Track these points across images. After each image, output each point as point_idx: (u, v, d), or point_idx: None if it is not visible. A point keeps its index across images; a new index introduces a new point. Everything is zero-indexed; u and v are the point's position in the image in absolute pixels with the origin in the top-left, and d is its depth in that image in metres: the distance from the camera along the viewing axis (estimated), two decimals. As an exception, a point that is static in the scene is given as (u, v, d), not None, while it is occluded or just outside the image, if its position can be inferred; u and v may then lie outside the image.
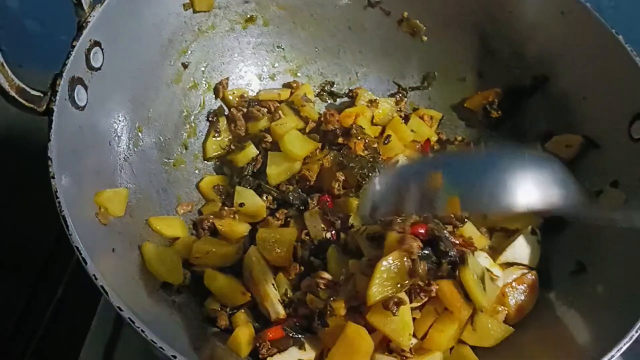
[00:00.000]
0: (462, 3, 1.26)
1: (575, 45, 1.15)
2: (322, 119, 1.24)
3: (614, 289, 0.96)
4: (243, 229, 1.14)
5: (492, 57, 1.28)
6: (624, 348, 0.83)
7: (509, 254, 1.11)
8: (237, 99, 1.28)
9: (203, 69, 1.25)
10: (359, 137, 1.19)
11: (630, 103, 1.05)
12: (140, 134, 1.11)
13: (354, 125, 1.21)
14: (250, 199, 1.15)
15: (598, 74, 1.12)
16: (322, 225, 1.11)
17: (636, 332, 0.83)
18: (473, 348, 1.00)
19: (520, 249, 1.11)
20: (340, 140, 1.20)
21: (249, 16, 1.28)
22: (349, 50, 1.36)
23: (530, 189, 0.71)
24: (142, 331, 0.75)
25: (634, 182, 1.03)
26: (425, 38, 1.32)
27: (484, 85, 1.30)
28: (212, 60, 1.27)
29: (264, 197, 1.18)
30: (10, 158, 1.45)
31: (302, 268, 1.09)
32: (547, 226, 1.14)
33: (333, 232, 1.11)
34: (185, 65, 1.21)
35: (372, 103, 1.31)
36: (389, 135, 1.23)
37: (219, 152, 1.26)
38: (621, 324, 0.85)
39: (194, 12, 1.19)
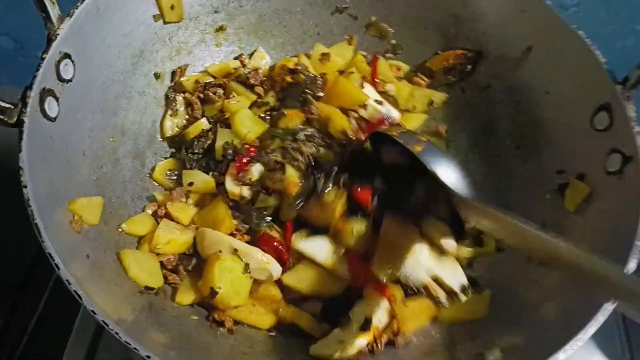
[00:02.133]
0: (425, 5, 1.29)
1: (537, 41, 1.18)
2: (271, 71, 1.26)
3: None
4: (193, 212, 1.14)
5: (459, 57, 1.30)
6: (591, 331, 0.85)
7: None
8: (192, 85, 1.28)
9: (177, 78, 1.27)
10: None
11: (593, 96, 1.07)
12: (113, 143, 1.12)
13: (298, 67, 1.24)
14: (198, 177, 1.15)
15: (560, 69, 1.15)
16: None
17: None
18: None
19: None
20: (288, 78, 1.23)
21: (219, 26, 1.31)
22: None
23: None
24: (117, 333, 0.77)
25: (600, 174, 1.05)
26: (393, 41, 1.35)
27: (454, 86, 1.34)
28: (184, 69, 1.29)
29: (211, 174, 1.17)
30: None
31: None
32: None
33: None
34: (157, 76, 1.23)
35: (324, 56, 1.32)
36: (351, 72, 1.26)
37: (175, 132, 1.25)
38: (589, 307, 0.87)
39: (164, 23, 1.21)
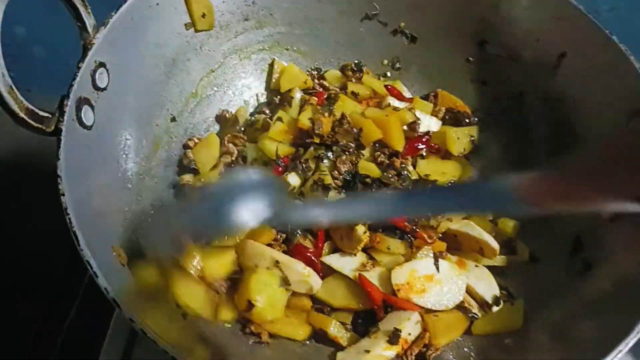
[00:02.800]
0: (457, 11, 1.28)
1: (571, 47, 1.17)
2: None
3: (619, 285, 0.97)
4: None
5: (490, 64, 1.30)
6: (631, 343, 0.84)
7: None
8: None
9: (206, 87, 1.29)
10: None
11: (628, 100, 1.07)
12: (147, 152, 1.14)
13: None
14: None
15: (595, 74, 1.14)
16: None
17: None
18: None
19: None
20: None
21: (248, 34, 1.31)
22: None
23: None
24: (154, 341, 0.77)
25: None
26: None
27: (487, 93, 1.33)
28: (215, 77, 1.30)
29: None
30: (22, 181, 1.47)
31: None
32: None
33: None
34: (194, 94, 1.26)
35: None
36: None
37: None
38: (628, 319, 0.86)
39: (196, 31, 1.22)
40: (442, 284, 1.07)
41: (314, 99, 1.26)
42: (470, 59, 1.32)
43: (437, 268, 1.07)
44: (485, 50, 1.30)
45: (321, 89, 1.31)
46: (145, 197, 1.10)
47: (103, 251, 0.88)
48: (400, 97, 1.31)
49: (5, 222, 1.42)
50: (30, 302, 1.34)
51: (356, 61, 1.38)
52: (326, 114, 1.19)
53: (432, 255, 1.08)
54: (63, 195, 0.84)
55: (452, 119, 1.31)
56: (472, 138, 1.27)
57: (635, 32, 1.12)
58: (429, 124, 1.27)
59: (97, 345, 1.18)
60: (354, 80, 1.34)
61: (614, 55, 1.08)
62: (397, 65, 1.38)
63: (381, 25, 1.34)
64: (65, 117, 0.90)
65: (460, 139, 1.26)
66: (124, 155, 1.07)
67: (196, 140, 1.24)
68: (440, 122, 1.29)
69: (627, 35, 1.10)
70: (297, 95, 1.28)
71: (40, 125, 0.90)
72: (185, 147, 1.23)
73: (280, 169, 1.15)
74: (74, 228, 0.82)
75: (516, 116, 1.28)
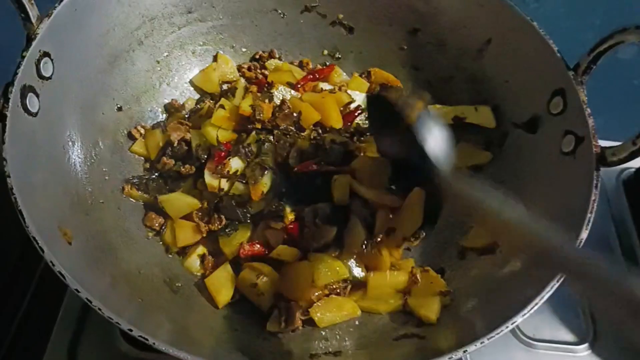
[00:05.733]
0: (389, 2, 1.36)
1: (495, 33, 1.25)
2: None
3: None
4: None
5: (422, 51, 1.38)
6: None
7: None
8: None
9: (152, 77, 1.32)
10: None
11: (548, 81, 1.14)
12: (93, 138, 1.16)
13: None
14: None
15: (518, 58, 1.21)
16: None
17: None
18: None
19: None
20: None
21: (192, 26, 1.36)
22: (289, 53, 1.45)
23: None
24: (99, 309, 0.81)
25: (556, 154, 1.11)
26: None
27: (419, 77, 1.40)
28: (160, 68, 1.33)
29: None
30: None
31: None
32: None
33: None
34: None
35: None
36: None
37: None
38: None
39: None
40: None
41: (254, 87, 1.31)
42: (404, 47, 1.39)
43: None
44: (418, 38, 1.37)
45: (262, 77, 1.36)
46: (92, 181, 1.13)
47: (49, 230, 0.91)
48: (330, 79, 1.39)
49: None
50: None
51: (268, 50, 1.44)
52: (266, 101, 1.24)
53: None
54: (9, 177, 0.87)
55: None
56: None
57: (559, 23, 1.21)
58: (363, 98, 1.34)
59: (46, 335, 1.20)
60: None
61: (535, 39, 1.15)
62: (337, 55, 1.44)
63: (320, 16, 1.41)
64: (10, 104, 0.93)
65: None
66: (70, 142, 1.09)
67: (141, 130, 1.27)
68: None
69: (552, 25, 1.18)
70: (241, 84, 1.33)
71: (-17, 111, 0.93)
72: (130, 136, 1.26)
73: (222, 154, 1.19)
74: (19, 207, 0.86)
75: (445, 99, 1.35)
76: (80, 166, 1.11)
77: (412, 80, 1.40)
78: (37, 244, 0.84)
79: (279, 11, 1.39)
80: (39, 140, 1.00)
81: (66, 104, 1.10)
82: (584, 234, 0.95)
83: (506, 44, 1.24)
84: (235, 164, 1.18)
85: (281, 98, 1.26)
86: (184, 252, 1.18)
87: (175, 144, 1.23)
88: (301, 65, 1.43)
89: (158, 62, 1.33)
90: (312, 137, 1.23)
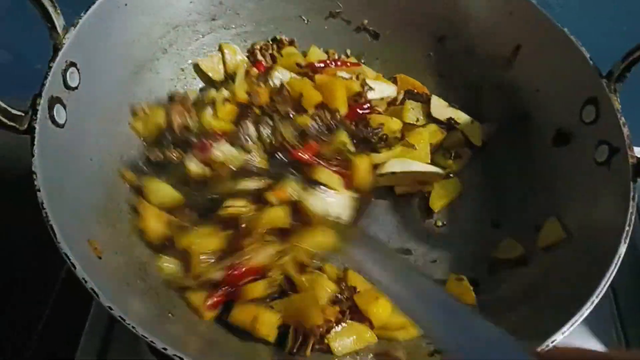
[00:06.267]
0: (417, 9, 1.34)
1: (525, 40, 1.23)
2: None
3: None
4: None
5: (450, 58, 1.36)
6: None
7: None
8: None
9: (176, 85, 1.31)
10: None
11: (580, 90, 1.12)
12: (119, 150, 1.15)
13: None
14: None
15: (548, 66, 1.20)
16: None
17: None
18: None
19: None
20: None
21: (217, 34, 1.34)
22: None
23: None
24: (133, 327, 0.79)
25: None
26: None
27: (445, 85, 1.38)
28: (185, 76, 1.32)
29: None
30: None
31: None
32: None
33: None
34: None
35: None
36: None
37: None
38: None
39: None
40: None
41: (254, 70, 1.29)
42: (430, 54, 1.38)
43: None
44: (445, 45, 1.35)
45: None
46: (119, 192, 1.11)
47: (79, 245, 0.90)
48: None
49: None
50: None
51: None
52: (262, 84, 1.22)
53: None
54: (39, 190, 0.86)
55: (412, 99, 1.35)
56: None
57: (585, 28, 1.19)
58: (382, 89, 1.32)
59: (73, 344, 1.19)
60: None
61: (566, 46, 1.14)
62: (362, 61, 1.42)
63: (345, 22, 1.39)
64: (38, 116, 0.92)
65: (415, 109, 1.31)
66: (97, 153, 1.08)
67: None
68: (394, 88, 1.34)
69: (577, 30, 1.16)
70: (241, 70, 1.30)
71: (13, 124, 0.92)
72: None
73: (210, 143, 1.13)
74: (50, 222, 0.84)
75: (473, 107, 1.33)
76: (106, 177, 1.10)
77: (439, 88, 1.38)
78: (69, 260, 0.82)
79: (303, 17, 1.38)
80: (67, 152, 0.99)
81: (92, 115, 1.08)
82: (622, 249, 0.93)
83: (536, 52, 1.22)
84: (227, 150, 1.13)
85: (280, 81, 1.24)
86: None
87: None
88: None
89: (182, 69, 1.31)
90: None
